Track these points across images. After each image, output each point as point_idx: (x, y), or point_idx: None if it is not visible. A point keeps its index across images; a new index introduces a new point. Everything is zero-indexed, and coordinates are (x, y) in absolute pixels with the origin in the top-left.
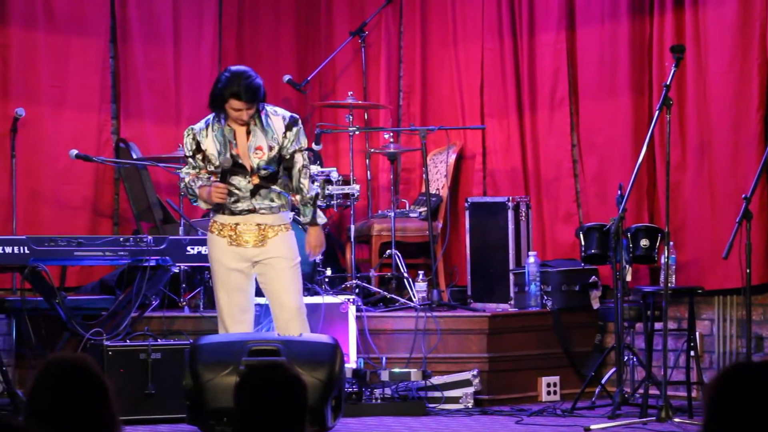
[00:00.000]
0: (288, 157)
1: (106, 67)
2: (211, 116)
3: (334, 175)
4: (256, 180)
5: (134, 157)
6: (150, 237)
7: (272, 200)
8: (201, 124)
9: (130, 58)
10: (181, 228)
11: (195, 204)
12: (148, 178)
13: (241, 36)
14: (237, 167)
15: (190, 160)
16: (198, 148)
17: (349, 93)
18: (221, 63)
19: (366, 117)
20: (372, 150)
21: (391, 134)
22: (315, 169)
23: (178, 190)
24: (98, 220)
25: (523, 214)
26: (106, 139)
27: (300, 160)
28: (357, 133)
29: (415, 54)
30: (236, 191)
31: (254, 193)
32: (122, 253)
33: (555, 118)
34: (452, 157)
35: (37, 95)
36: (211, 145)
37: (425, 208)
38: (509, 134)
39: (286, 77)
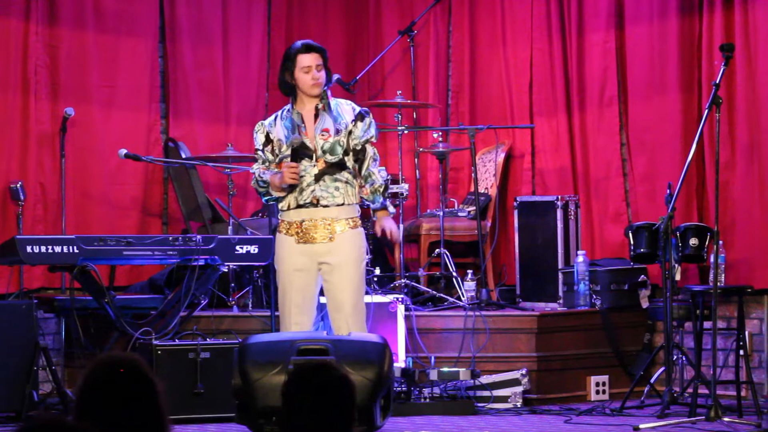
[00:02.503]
0: (359, 148)
1: (155, 67)
2: (280, 111)
3: (384, 174)
4: (321, 164)
5: (183, 156)
6: (199, 236)
7: (337, 189)
8: (271, 117)
9: (179, 57)
10: (230, 227)
11: (265, 199)
12: (197, 177)
13: (289, 35)
14: (303, 149)
15: (260, 153)
16: (267, 140)
17: (398, 92)
18: (270, 62)
19: (415, 116)
20: (421, 149)
21: (440, 133)
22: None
23: (227, 190)
24: (147, 220)
25: (572, 213)
26: (156, 138)
27: (371, 150)
28: (406, 132)
29: (464, 53)
30: (301, 178)
31: (318, 178)
32: (171, 252)
33: (604, 117)
34: (501, 156)
35: (87, 95)
36: (280, 131)
37: (474, 208)
38: (558, 133)
39: (335, 76)
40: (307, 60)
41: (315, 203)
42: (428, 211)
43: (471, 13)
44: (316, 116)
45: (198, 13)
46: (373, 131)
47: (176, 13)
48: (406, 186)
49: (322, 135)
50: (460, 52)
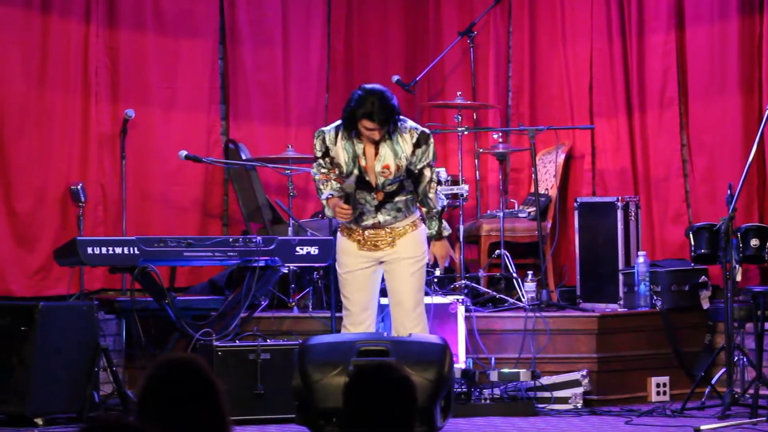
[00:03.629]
0: (416, 172)
1: (215, 69)
2: (341, 122)
3: (443, 176)
4: (380, 197)
5: (243, 158)
6: (259, 237)
7: (398, 210)
8: (331, 128)
9: (239, 59)
10: (290, 228)
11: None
12: (257, 178)
13: (349, 36)
14: (363, 183)
15: (320, 161)
16: (327, 153)
17: (458, 93)
18: (330, 64)
19: (475, 117)
20: (481, 150)
21: (500, 134)
22: None
23: (287, 191)
24: (207, 221)
25: (633, 213)
26: (215, 140)
27: (428, 174)
28: (466, 133)
29: (524, 54)
30: (360, 205)
31: (379, 208)
32: (231, 253)
33: (664, 118)
34: (561, 157)
35: (147, 97)
36: (340, 153)
37: (534, 208)
38: (618, 134)
39: (395, 78)
40: (371, 125)
41: (377, 226)
42: (488, 212)
43: (531, 13)
44: (377, 149)
45: (258, 13)
46: (431, 156)
47: (236, 14)
48: (466, 187)
49: (383, 172)
50: (519, 53)
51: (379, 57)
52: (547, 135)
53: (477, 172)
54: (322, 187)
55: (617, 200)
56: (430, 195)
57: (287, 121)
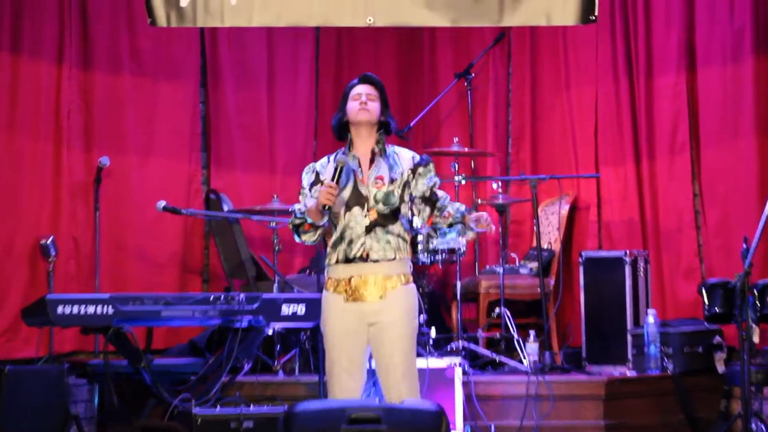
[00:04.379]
0: (428, 194)
1: (195, 113)
2: (333, 153)
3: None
4: (373, 214)
5: (226, 209)
6: (242, 295)
7: (388, 242)
8: (323, 159)
9: (221, 102)
10: (275, 286)
11: (302, 238)
12: (240, 232)
13: (339, 78)
14: (357, 198)
15: (306, 192)
16: (317, 180)
17: (455, 139)
18: (318, 107)
19: (473, 165)
20: (479, 201)
21: (500, 184)
22: (418, 221)
23: (272, 245)
24: (187, 277)
25: (642, 269)
26: (196, 189)
27: (443, 193)
28: (463, 182)
29: (525, 97)
30: (350, 229)
31: (369, 230)
32: (212, 312)
33: (675, 165)
34: (565, 208)
35: (123, 143)
36: (331, 171)
37: (536, 264)
38: (626, 183)
39: (393, 123)
40: (357, 89)
41: (365, 258)
42: (487, 267)
43: (532, 53)
44: (372, 162)
45: (241, 54)
46: (436, 178)
47: (218, 54)
48: (463, 241)
49: (376, 183)
50: (520, 96)
51: None
52: (549, 184)
53: None
54: (302, 207)
55: (625, 254)
56: (452, 202)
57: (272, 169)
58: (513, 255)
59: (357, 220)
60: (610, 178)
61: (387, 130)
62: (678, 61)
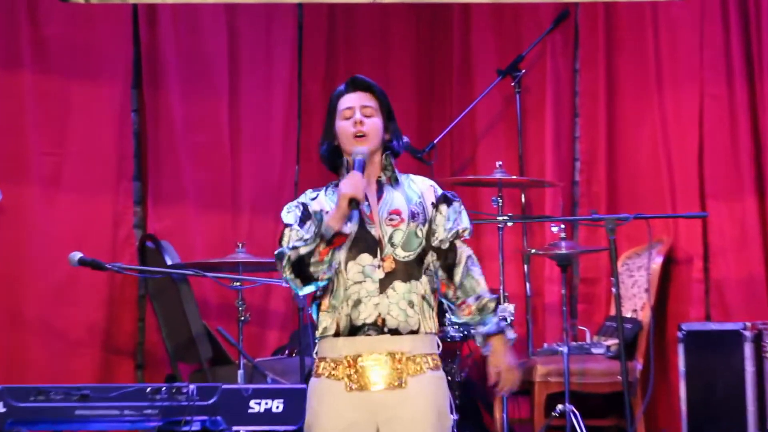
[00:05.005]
0: (446, 246)
1: (125, 126)
2: (325, 186)
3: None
4: (390, 264)
5: (169, 262)
6: (192, 386)
7: (411, 305)
8: (309, 192)
9: (163, 111)
10: (240, 372)
11: (307, 282)
12: (189, 295)
13: (330, 76)
14: (364, 242)
15: (288, 233)
16: (307, 215)
17: (497, 164)
18: (302, 117)
19: (523, 200)
20: (532, 251)
21: (563, 226)
22: None
23: (236, 314)
24: (113, 361)
25: None
26: (126, 235)
27: (466, 250)
28: (509, 224)
29: (598, 103)
30: (356, 285)
31: (385, 286)
32: (150, 411)
33: None
34: (657, 262)
35: (22, 168)
36: (325, 204)
37: (616, 341)
38: (744, 225)
39: (404, 139)
40: (348, 101)
41: (379, 326)
42: (545, 346)
43: (608, 42)
44: (380, 193)
45: (192, 42)
46: (466, 222)
47: (159, 42)
48: (510, 308)
49: (391, 220)
50: (591, 102)
51: None
52: (634, 227)
53: (527, 285)
54: (302, 235)
55: (745, 327)
56: (477, 277)
57: (237, 206)
58: (582, 328)
59: (366, 272)
60: (722, 219)
61: (394, 150)
62: None
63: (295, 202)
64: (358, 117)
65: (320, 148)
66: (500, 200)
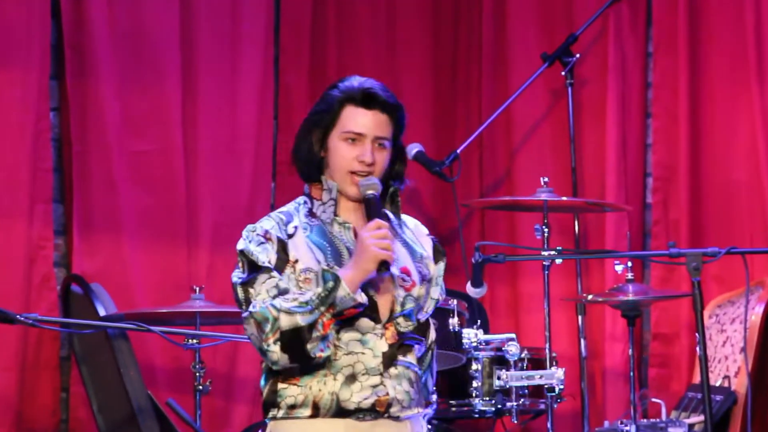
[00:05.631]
0: (423, 320)
1: (42, 131)
2: (298, 201)
3: (513, 350)
4: (391, 335)
5: (102, 313)
6: None
7: (411, 383)
8: (280, 214)
9: (93, 111)
10: None
11: (310, 360)
12: (129, 356)
13: (318, 66)
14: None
15: (265, 280)
16: (284, 255)
17: (542, 180)
18: (278, 119)
19: (577, 229)
20: (589, 297)
21: (630, 264)
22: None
23: (192, 380)
24: None
25: None
26: (44, 276)
27: (432, 333)
28: (559, 262)
29: (680, 100)
30: (351, 357)
31: (388, 363)
32: None
33: None
34: (757, 312)
35: None
36: (305, 253)
37: (701, 418)
38: None
39: (414, 149)
40: (360, 122)
41: (377, 411)
42: (606, 425)
43: (691, 18)
44: None
45: (132, 25)
46: (442, 286)
47: (87, 23)
48: (560, 373)
49: (404, 281)
50: (670, 97)
51: None
52: (727, 265)
53: (582, 343)
54: (289, 306)
55: None
56: (434, 370)
57: (193, 238)
58: (656, 401)
59: (366, 341)
60: None
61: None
62: None
63: (262, 229)
64: (368, 156)
65: (296, 147)
66: (546, 229)
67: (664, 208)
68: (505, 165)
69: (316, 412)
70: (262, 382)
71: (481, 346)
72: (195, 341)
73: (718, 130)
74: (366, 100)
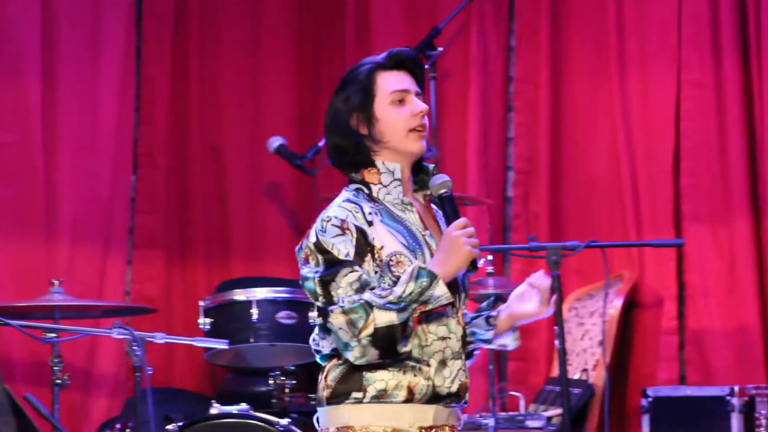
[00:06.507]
0: None
1: None
2: (350, 190)
3: None
4: (461, 318)
5: None
6: None
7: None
8: (346, 203)
9: None
10: None
11: (395, 353)
12: None
13: (181, 58)
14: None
15: (347, 273)
16: (365, 243)
17: None
18: (140, 112)
19: None
20: None
21: (490, 258)
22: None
23: (50, 375)
24: None
25: (763, 420)
26: None
27: None
28: None
29: (540, 93)
30: (441, 342)
31: (464, 345)
32: None
33: None
34: (615, 306)
35: None
36: (389, 238)
37: (559, 411)
38: (733, 257)
39: (276, 142)
40: (398, 80)
41: (459, 396)
42: (466, 417)
43: (553, 11)
44: (432, 219)
45: None
46: None
47: None
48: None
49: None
50: (531, 91)
51: (244, 95)
52: (586, 259)
53: None
54: (386, 297)
55: (730, 394)
56: None
57: (52, 231)
58: (515, 394)
59: (450, 325)
60: (703, 248)
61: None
62: None
63: (337, 219)
64: (421, 107)
65: (337, 142)
66: None
67: (524, 201)
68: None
69: (410, 397)
70: (330, 369)
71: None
72: (53, 335)
73: (579, 125)
74: (392, 60)
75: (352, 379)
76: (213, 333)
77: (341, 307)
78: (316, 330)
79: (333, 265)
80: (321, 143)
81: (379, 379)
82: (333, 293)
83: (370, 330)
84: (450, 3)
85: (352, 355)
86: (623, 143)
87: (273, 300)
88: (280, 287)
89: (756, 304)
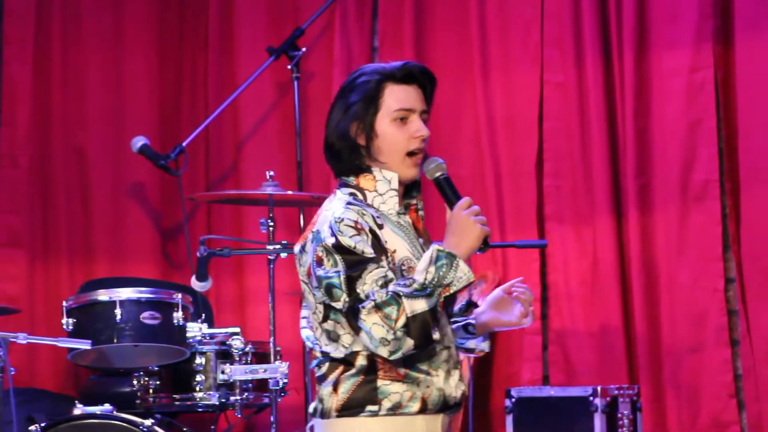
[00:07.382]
0: None
1: None
2: (345, 193)
3: (237, 344)
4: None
5: None
6: None
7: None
8: (351, 206)
9: None
10: None
11: (423, 341)
12: None
13: (43, 53)
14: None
15: (373, 269)
16: (378, 245)
17: (268, 174)
18: (1, 111)
19: (302, 222)
20: None
21: None
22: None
23: None
24: None
25: (627, 420)
26: None
27: None
28: (283, 256)
29: None
30: (447, 351)
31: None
32: None
33: (692, 221)
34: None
35: None
36: (399, 242)
37: None
38: (596, 258)
39: (139, 142)
40: (405, 97)
41: (461, 402)
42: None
43: (417, 11)
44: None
45: None
46: None
47: None
48: (284, 368)
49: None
50: None
51: (106, 99)
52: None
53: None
54: (410, 285)
55: (593, 395)
56: None
57: None
58: None
59: (449, 334)
60: (566, 249)
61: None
62: (699, 28)
63: (349, 220)
64: (423, 130)
65: (334, 141)
66: (271, 223)
67: None
68: (231, 158)
69: (424, 407)
70: (342, 380)
71: (206, 340)
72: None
73: (442, 125)
74: (406, 74)
75: (366, 392)
76: (76, 333)
77: (373, 301)
78: (318, 333)
79: (357, 263)
80: (184, 143)
81: (393, 392)
82: (359, 290)
83: (402, 320)
84: (313, 3)
85: (387, 350)
86: (487, 144)
87: (137, 300)
88: (144, 287)
89: (618, 304)
